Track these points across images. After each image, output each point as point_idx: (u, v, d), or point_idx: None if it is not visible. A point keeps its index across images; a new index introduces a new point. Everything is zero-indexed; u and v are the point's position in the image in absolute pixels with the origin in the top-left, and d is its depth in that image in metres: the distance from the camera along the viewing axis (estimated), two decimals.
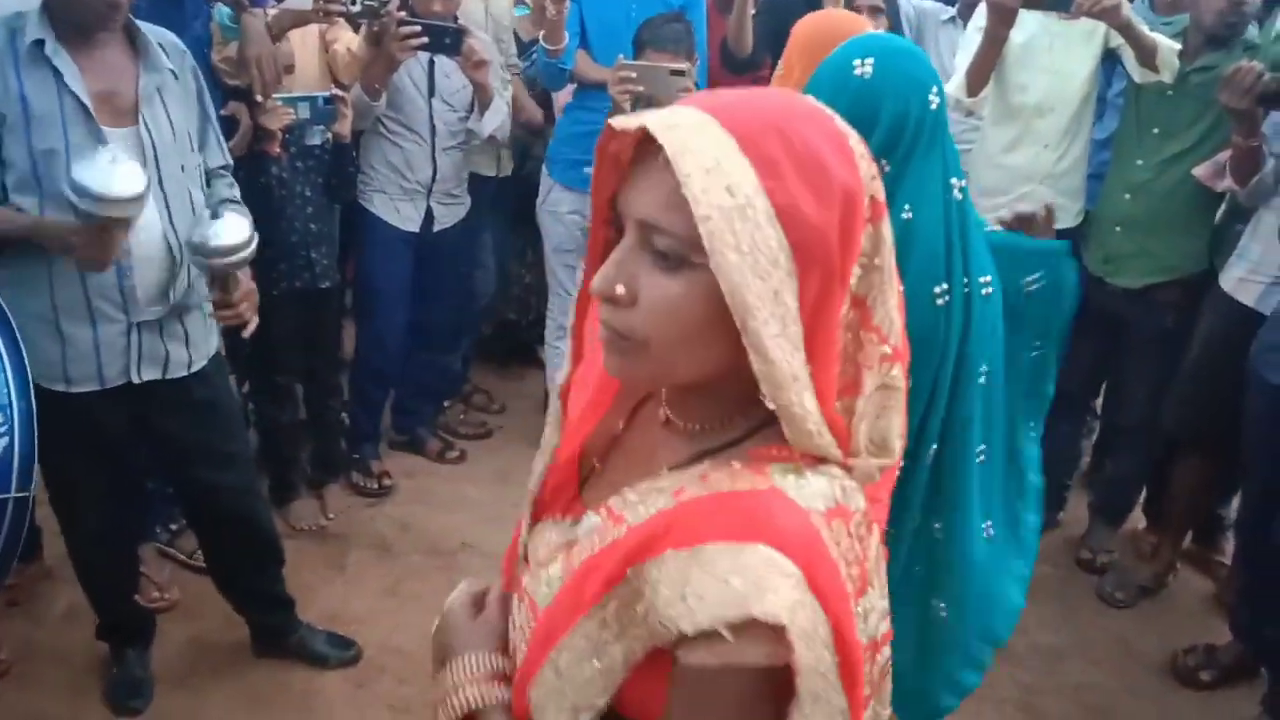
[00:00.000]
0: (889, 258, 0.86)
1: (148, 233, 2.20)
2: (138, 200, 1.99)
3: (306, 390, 3.45)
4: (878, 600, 0.87)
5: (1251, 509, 2.89)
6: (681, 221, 0.79)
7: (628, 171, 0.85)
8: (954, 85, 3.25)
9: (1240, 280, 2.94)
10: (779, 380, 0.80)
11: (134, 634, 2.71)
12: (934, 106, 1.58)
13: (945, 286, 1.60)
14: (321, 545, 3.34)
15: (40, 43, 2.08)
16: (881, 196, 0.86)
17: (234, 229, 2.22)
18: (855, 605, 0.81)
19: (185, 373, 2.38)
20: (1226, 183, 2.94)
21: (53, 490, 2.46)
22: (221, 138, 2.49)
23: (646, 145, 0.81)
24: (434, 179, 3.47)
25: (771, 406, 0.81)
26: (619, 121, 0.82)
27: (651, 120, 0.80)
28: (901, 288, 0.90)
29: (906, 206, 1.56)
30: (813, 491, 0.81)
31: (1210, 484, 3.31)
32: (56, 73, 2.09)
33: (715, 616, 0.75)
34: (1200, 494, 3.33)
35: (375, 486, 3.67)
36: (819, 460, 0.84)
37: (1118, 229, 3.21)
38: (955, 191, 1.62)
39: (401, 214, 3.50)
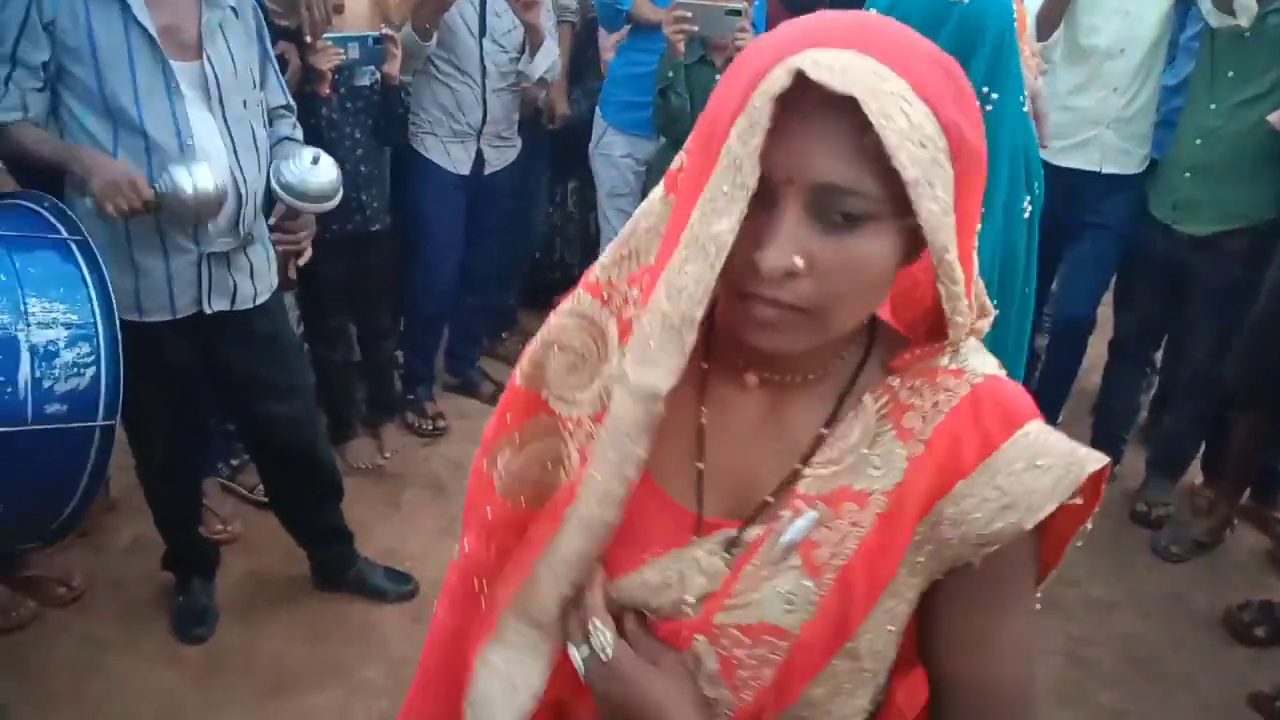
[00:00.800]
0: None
1: (216, 166, 2.23)
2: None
3: (360, 331, 3.48)
4: None
5: None
6: (871, 180, 0.76)
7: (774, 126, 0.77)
8: None
9: None
10: (959, 295, 0.82)
11: (199, 564, 2.79)
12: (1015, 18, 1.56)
13: (1028, 199, 1.61)
14: (378, 483, 3.40)
15: None
16: None
17: (328, 172, 2.30)
18: None
19: (251, 305, 2.43)
20: None
21: (127, 421, 2.53)
22: (281, 77, 2.51)
23: (805, 97, 0.75)
24: (484, 121, 3.46)
25: (960, 321, 0.84)
26: (820, 74, 0.74)
27: (854, 82, 0.74)
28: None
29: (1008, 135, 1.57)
30: (990, 364, 0.87)
31: (1269, 440, 3.26)
32: (124, 5, 2.12)
33: (1058, 495, 0.81)
34: (1259, 450, 3.28)
35: (430, 427, 3.72)
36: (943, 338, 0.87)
37: (1187, 175, 3.13)
38: (1025, 105, 1.62)
39: (452, 156, 3.49)
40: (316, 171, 2.29)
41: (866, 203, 0.77)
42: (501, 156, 3.60)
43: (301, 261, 2.53)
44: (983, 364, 0.87)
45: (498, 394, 3.75)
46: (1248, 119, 2.99)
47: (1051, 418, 3.45)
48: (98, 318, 2.15)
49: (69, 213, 2.20)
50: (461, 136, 3.47)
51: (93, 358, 2.13)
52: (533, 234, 4.19)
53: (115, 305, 2.16)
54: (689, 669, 0.87)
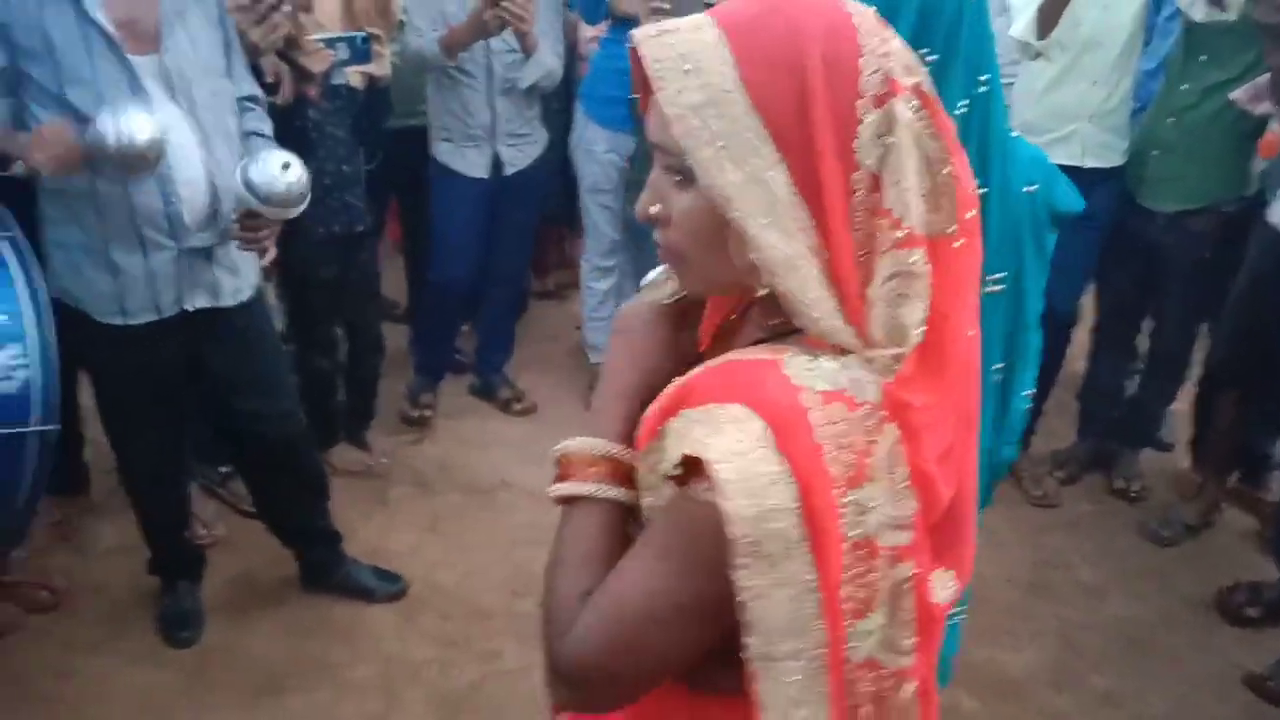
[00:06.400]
0: (907, 136, 0.83)
1: (188, 159, 2.21)
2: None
3: (351, 342, 3.42)
4: (884, 502, 0.82)
5: None
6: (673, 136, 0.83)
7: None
8: (1021, 28, 3.10)
9: None
10: (771, 267, 0.82)
11: (185, 567, 2.75)
12: None
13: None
14: (364, 482, 3.37)
15: None
16: (907, 74, 0.84)
17: (298, 178, 2.25)
18: (844, 493, 0.80)
19: (233, 302, 2.40)
20: (1264, 106, 2.87)
21: (111, 425, 2.50)
22: (247, 66, 2.45)
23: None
24: (494, 123, 3.40)
25: (762, 292, 0.85)
26: (634, 34, 0.86)
27: (643, 31, 0.85)
28: (959, 169, 0.87)
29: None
30: (817, 373, 0.82)
31: (1253, 421, 3.27)
32: (76, 1, 2.07)
33: (673, 460, 0.84)
34: (1243, 431, 3.30)
35: (416, 415, 3.70)
36: (843, 351, 0.84)
37: (1156, 153, 3.16)
38: (980, 86, 1.58)
39: (468, 160, 3.44)
40: (287, 176, 2.22)
41: (676, 159, 0.85)
42: (521, 155, 3.51)
43: (264, 261, 2.50)
44: (801, 366, 0.82)
45: (511, 403, 3.79)
46: (1217, 101, 3.02)
47: (1036, 408, 3.49)
48: (28, 319, 2.08)
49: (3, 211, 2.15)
50: (475, 140, 3.42)
51: (24, 360, 2.07)
52: None
53: (47, 306, 2.11)
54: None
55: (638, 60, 0.85)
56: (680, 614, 0.85)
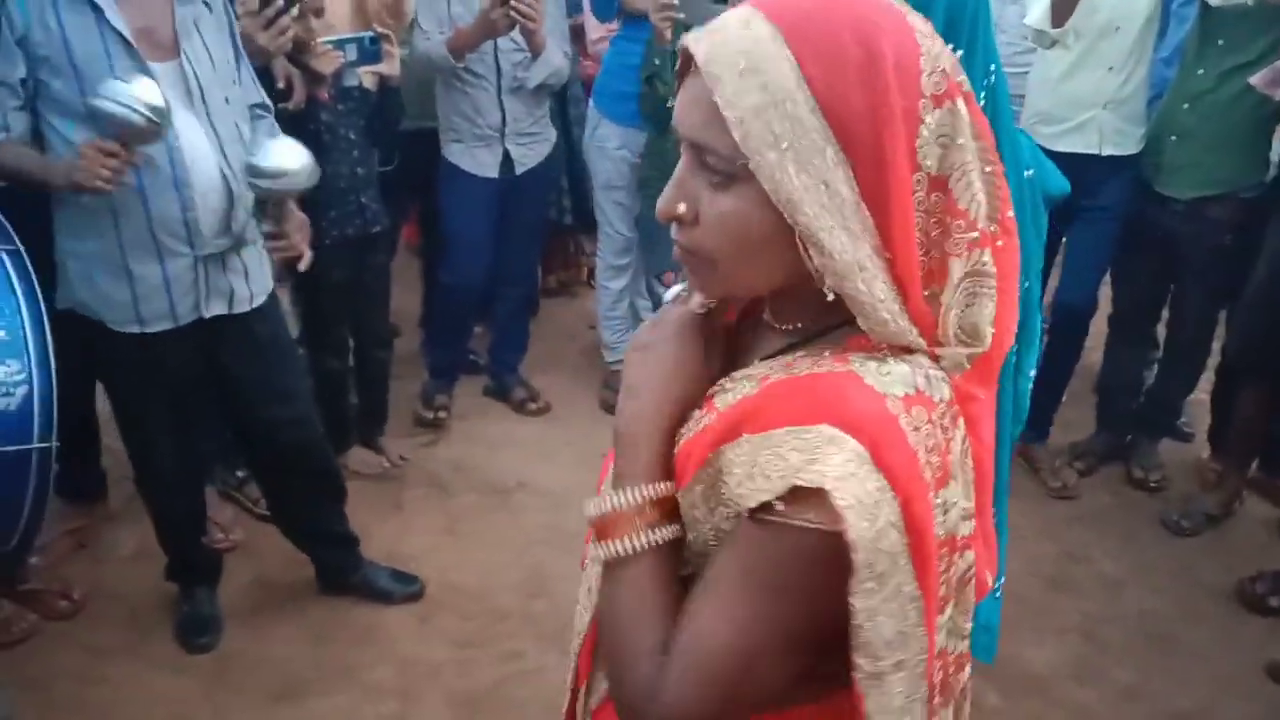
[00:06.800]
0: (971, 137, 0.82)
1: (204, 165, 2.21)
2: (164, 112, 2.01)
3: (356, 339, 3.41)
4: (960, 497, 0.83)
5: None
6: (724, 136, 0.78)
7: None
8: (1036, 17, 3.07)
9: None
10: (841, 271, 0.79)
11: (202, 573, 2.75)
12: None
13: None
14: (378, 485, 3.37)
15: None
16: (956, 73, 0.82)
17: (289, 153, 2.24)
18: (934, 495, 0.79)
19: (248, 308, 2.40)
20: None
21: (128, 434, 2.50)
22: (253, 74, 2.46)
23: (690, 60, 0.82)
24: (504, 122, 3.41)
25: (830, 298, 0.81)
26: (684, 38, 0.82)
27: (704, 39, 0.80)
28: (1000, 169, 0.86)
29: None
30: (893, 377, 0.80)
31: (1274, 410, 3.24)
32: (96, 9, 2.08)
33: (770, 489, 0.78)
34: (1263, 420, 3.26)
35: (430, 417, 3.70)
36: (906, 350, 0.83)
37: (1173, 139, 3.13)
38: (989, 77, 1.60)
39: (479, 160, 3.45)
40: (270, 147, 2.25)
41: (724, 161, 0.80)
42: (531, 154, 3.53)
43: (302, 266, 2.50)
44: (877, 373, 0.80)
45: (526, 403, 3.78)
46: (1235, 86, 2.98)
47: (1053, 401, 3.46)
48: (28, 330, 2.04)
49: (2, 222, 2.14)
50: (485, 140, 3.43)
51: (23, 375, 2.03)
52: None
53: (46, 317, 2.09)
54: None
55: (687, 59, 0.82)
56: (784, 644, 0.83)
